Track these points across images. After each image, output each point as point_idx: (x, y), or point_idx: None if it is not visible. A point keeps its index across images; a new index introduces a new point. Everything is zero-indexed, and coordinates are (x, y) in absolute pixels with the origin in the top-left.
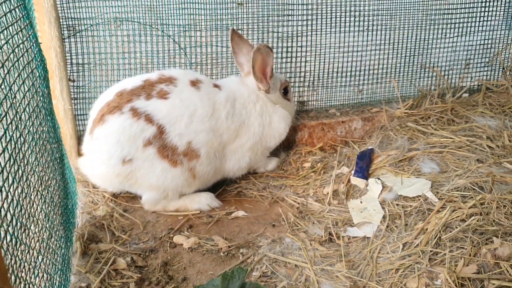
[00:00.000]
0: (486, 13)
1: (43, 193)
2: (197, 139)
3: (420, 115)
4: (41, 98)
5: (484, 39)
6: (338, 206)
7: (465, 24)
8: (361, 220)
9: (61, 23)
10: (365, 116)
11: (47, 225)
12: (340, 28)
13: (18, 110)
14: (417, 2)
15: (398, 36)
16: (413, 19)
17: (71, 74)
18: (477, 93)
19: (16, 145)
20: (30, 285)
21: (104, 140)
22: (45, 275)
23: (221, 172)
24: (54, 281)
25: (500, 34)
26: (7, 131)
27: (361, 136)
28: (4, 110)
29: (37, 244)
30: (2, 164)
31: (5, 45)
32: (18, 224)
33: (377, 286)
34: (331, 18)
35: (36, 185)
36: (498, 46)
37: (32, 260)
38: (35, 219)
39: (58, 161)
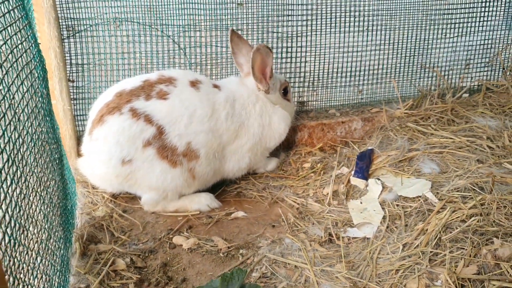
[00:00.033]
0: (486, 13)
1: (42, 194)
2: (197, 139)
3: (420, 115)
4: (40, 98)
5: (484, 39)
6: (338, 206)
7: (465, 24)
8: (361, 220)
9: (61, 24)
10: (365, 116)
11: (46, 226)
12: (340, 28)
13: (17, 110)
14: (417, 2)
15: (398, 36)
16: (413, 19)
17: (71, 74)
18: (477, 93)
19: (15, 146)
20: (29, 287)
21: (103, 140)
22: (43, 276)
23: (220, 172)
24: (53, 282)
25: (500, 34)
26: (5, 132)
27: (361, 137)
28: (2, 111)
29: (36, 245)
30: (1, 165)
31: (4, 45)
32: (17, 225)
33: (377, 287)
34: (331, 18)
35: (34, 186)
36: (498, 46)
37: (31, 261)
38: (33, 220)
39: (57, 161)
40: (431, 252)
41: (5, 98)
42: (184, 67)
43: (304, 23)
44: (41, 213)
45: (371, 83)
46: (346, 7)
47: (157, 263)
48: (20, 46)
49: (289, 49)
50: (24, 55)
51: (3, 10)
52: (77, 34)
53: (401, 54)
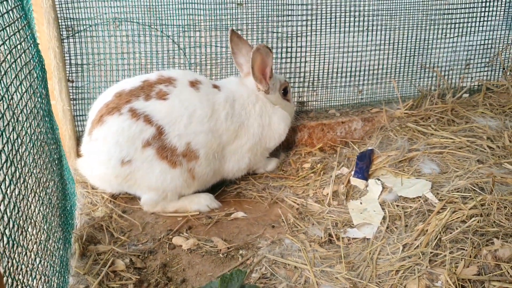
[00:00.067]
0: (486, 13)
1: (41, 194)
2: (196, 140)
3: (420, 115)
4: (39, 99)
5: (485, 39)
6: (338, 207)
7: (465, 24)
8: (361, 221)
9: (60, 24)
10: (365, 116)
11: (45, 227)
12: (340, 28)
13: (16, 111)
14: (417, 2)
15: (398, 36)
16: (413, 19)
17: (70, 74)
18: (477, 93)
19: (14, 147)
20: None
21: (103, 141)
22: (42, 277)
23: (220, 173)
24: (52, 283)
25: (501, 34)
26: (4, 133)
27: (361, 137)
28: (1, 112)
29: (35, 246)
30: None
31: (3, 46)
32: (15, 226)
33: None
34: (331, 18)
35: (33, 187)
36: (499, 46)
37: (30, 262)
38: (32, 221)
39: (57, 162)
40: (431, 252)
41: (4, 98)
42: (184, 67)
43: (304, 23)
44: (40, 214)
45: (371, 83)
46: (346, 7)
47: (157, 263)
48: (19, 47)
49: (289, 49)
50: (23, 55)
51: (1, 11)
52: (77, 34)
53: (401, 54)
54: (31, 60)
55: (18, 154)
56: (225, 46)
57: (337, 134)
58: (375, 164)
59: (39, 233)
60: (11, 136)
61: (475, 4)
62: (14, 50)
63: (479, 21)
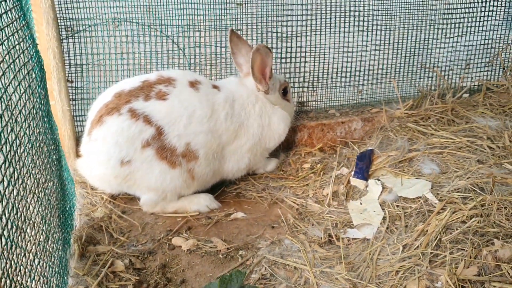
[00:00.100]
0: (486, 13)
1: (40, 195)
2: (196, 140)
3: (420, 115)
4: (38, 99)
5: (485, 39)
6: (337, 207)
7: (465, 24)
8: (361, 221)
9: (59, 24)
10: (365, 116)
11: (44, 228)
12: (340, 28)
13: (14, 112)
14: (417, 2)
15: (398, 36)
16: (413, 19)
17: (69, 75)
18: (477, 93)
19: (12, 148)
20: None
21: (102, 141)
22: (41, 278)
23: (220, 173)
24: (51, 284)
25: (501, 34)
26: (2, 133)
27: (361, 137)
28: None
29: (34, 247)
30: None
31: (1, 46)
32: (14, 227)
33: None
34: (330, 18)
35: (32, 188)
36: (499, 46)
37: (28, 263)
38: (31, 222)
39: (56, 162)
40: (431, 253)
41: (2, 99)
42: (183, 67)
43: (304, 23)
44: (39, 214)
45: (371, 83)
46: (346, 7)
47: (156, 264)
48: (17, 47)
49: (289, 49)
50: (22, 55)
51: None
52: (76, 35)
53: (401, 54)
54: (30, 61)
55: (16, 155)
56: (225, 46)
57: (337, 134)
58: (375, 164)
59: (38, 234)
60: (10, 137)
61: (475, 4)
62: (12, 50)
63: (479, 21)
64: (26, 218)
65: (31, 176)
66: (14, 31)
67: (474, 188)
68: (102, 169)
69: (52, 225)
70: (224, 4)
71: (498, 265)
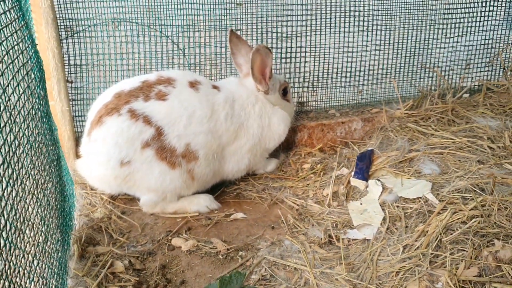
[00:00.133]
0: (486, 13)
1: (39, 196)
2: (196, 140)
3: (421, 115)
4: (37, 100)
5: (485, 39)
6: (338, 208)
7: (465, 24)
8: (361, 222)
9: (59, 24)
10: (365, 116)
11: (43, 229)
12: (340, 28)
13: (13, 112)
14: (417, 2)
15: (398, 36)
16: (413, 19)
17: (69, 75)
18: (477, 93)
19: (11, 148)
20: None
21: (102, 141)
22: (40, 279)
23: (220, 174)
24: (50, 286)
25: (501, 34)
26: (1, 134)
27: (361, 137)
28: None
29: (33, 248)
30: None
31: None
32: (13, 228)
33: None
34: (330, 18)
35: (31, 189)
36: (499, 46)
37: (27, 264)
38: (30, 223)
39: (55, 163)
40: (431, 254)
41: (1, 100)
42: (183, 67)
43: (304, 23)
44: (38, 215)
45: (371, 83)
46: (346, 7)
47: (156, 265)
48: (16, 47)
49: (289, 50)
50: (21, 56)
51: None
52: (76, 35)
53: (401, 54)
54: (29, 61)
55: (15, 155)
56: (225, 47)
57: (337, 134)
58: (375, 165)
59: (37, 235)
60: (8, 138)
61: (475, 4)
62: (11, 51)
63: (479, 21)
64: (25, 219)
65: (30, 177)
66: (13, 31)
67: (474, 189)
68: (102, 170)
69: (51, 226)
70: (224, 4)
71: (498, 266)
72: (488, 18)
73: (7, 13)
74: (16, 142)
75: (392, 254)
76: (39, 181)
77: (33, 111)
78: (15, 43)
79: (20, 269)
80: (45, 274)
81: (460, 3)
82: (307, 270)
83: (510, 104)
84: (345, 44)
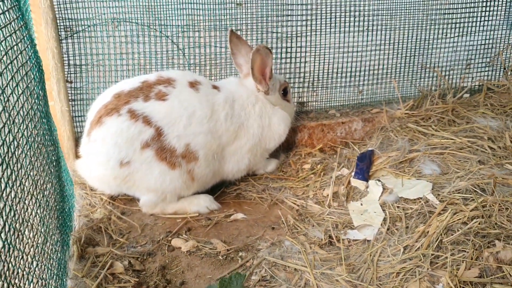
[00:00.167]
0: (487, 13)
1: (38, 197)
2: (196, 141)
3: (421, 115)
4: (36, 100)
5: (485, 39)
6: (338, 208)
7: (466, 24)
8: (362, 222)
9: (58, 24)
10: (365, 117)
11: (42, 230)
12: (340, 28)
13: (12, 113)
14: (417, 2)
15: (398, 36)
16: (414, 19)
17: (69, 75)
18: (478, 93)
19: (9, 149)
20: None
21: (101, 142)
22: (40, 281)
23: (220, 174)
24: (50, 287)
25: (501, 34)
26: None
27: (361, 137)
28: None
29: (32, 249)
30: None
31: None
32: (11, 230)
33: None
34: (331, 18)
35: (30, 189)
36: (499, 46)
37: (26, 266)
38: (29, 223)
39: (54, 164)
40: (432, 254)
41: (0, 100)
42: (183, 67)
43: (304, 23)
44: (37, 216)
45: (371, 83)
46: (346, 7)
47: (156, 266)
48: (15, 48)
49: (289, 50)
50: (20, 56)
51: None
52: (75, 35)
53: (402, 54)
54: (28, 61)
55: (14, 156)
56: (225, 47)
57: (337, 134)
58: (375, 165)
59: (36, 236)
60: (7, 139)
61: (476, 4)
62: (10, 51)
63: (480, 21)
64: (24, 220)
65: (29, 177)
66: (12, 31)
67: (475, 189)
68: (102, 170)
69: (50, 227)
70: (224, 4)
71: (499, 267)
72: (488, 18)
73: (6, 13)
74: (15, 142)
75: (392, 254)
76: (38, 181)
77: (32, 112)
78: (14, 43)
79: (19, 270)
80: (44, 275)
81: (461, 3)
82: (308, 271)
83: (510, 104)
84: (345, 44)
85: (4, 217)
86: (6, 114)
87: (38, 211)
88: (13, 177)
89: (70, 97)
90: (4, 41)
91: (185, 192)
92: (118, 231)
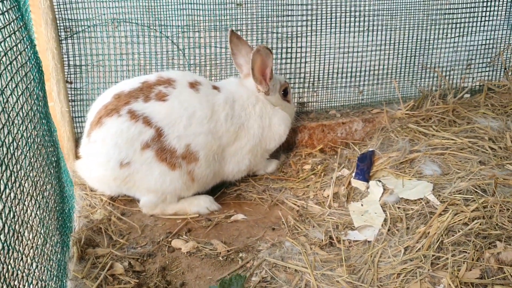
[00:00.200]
0: (487, 13)
1: (38, 198)
2: (196, 141)
3: (421, 116)
4: (36, 101)
5: (486, 39)
6: (338, 209)
7: (466, 24)
8: (362, 223)
9: (58, 25)
10: (366, 117)
11: (42, 231)
12: (340, 28)
13: (11, 114)
14: (418, 2)
15: (398, 37)
16: (414, 19)
17: (68, 76)
18: (478, 93)
19: (9, 150)
20: None
21: (101, 142)
22: (39, 282)
23: (220, 175)
24: None
25: (502, 34)
26: None
27: (362, 138)
28: None
29: (31, 250)
30: None
31: None
32: (11, 231)
33: None
34: (331, 18)
35: (30, 191)
36: (500, 46)
37: (26, 267)
38: (29, 225)
39: (54, 164)
40: (433, 255)
41: None
42: (183, 68)
43: (304, 23)
44: (37, 217)
45: (371, 83)
46: (346, 7)
47: (156, 267)
48: (14, 48)
49: (289, 50)
50: (19, 57)
51: None
52: (75, 35)
53: (402, 54)
54: (28, 62)
55: (13, 157)
56: (225, 47)
57: (337, 135)
58: (376, 166)
59: (35, 237)
60: (7, 140)
61: (476, 4)
62: (10, 52)
63: (480, 21)
64: (24, 222)
65: (29, 178)
66: (11, 32)
67: (476, 190)
68: (102, 171)
69: (50, 228)
70: (224, 5)
71: (500, 268)
72: (489, 18)
73: (6, 13)
74: (15, 143)
75: (393, 255)
76: (38, 182)
77: (32, 113)
78: (13, 44)
79: (19, 272)
80: (44, 277)
81: (461, 3)
82: (308, 272)
83: (511, 104)
84: (345, 44)
85: (4, 219)
86: (6, 115)
87: (38, 212)
88: (13, 178)
89: (70, 98)
90: (3, 41)
91: (185, 193)
92: (118, 232)
